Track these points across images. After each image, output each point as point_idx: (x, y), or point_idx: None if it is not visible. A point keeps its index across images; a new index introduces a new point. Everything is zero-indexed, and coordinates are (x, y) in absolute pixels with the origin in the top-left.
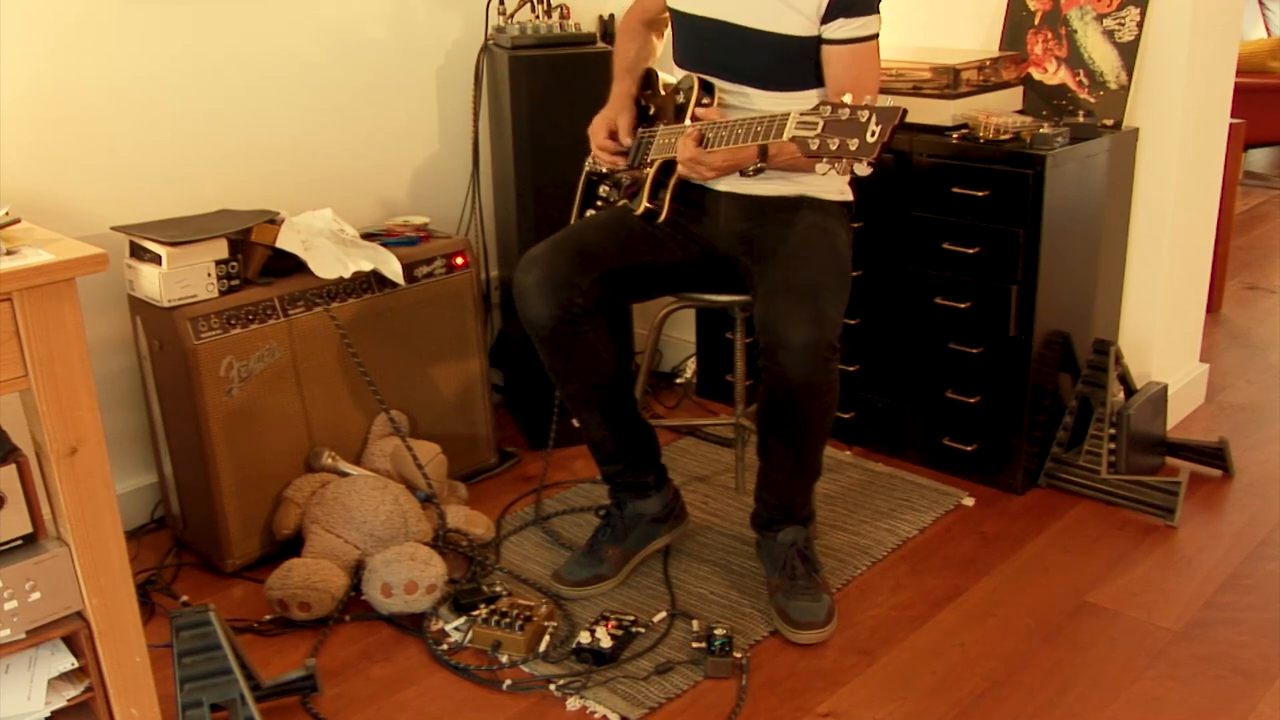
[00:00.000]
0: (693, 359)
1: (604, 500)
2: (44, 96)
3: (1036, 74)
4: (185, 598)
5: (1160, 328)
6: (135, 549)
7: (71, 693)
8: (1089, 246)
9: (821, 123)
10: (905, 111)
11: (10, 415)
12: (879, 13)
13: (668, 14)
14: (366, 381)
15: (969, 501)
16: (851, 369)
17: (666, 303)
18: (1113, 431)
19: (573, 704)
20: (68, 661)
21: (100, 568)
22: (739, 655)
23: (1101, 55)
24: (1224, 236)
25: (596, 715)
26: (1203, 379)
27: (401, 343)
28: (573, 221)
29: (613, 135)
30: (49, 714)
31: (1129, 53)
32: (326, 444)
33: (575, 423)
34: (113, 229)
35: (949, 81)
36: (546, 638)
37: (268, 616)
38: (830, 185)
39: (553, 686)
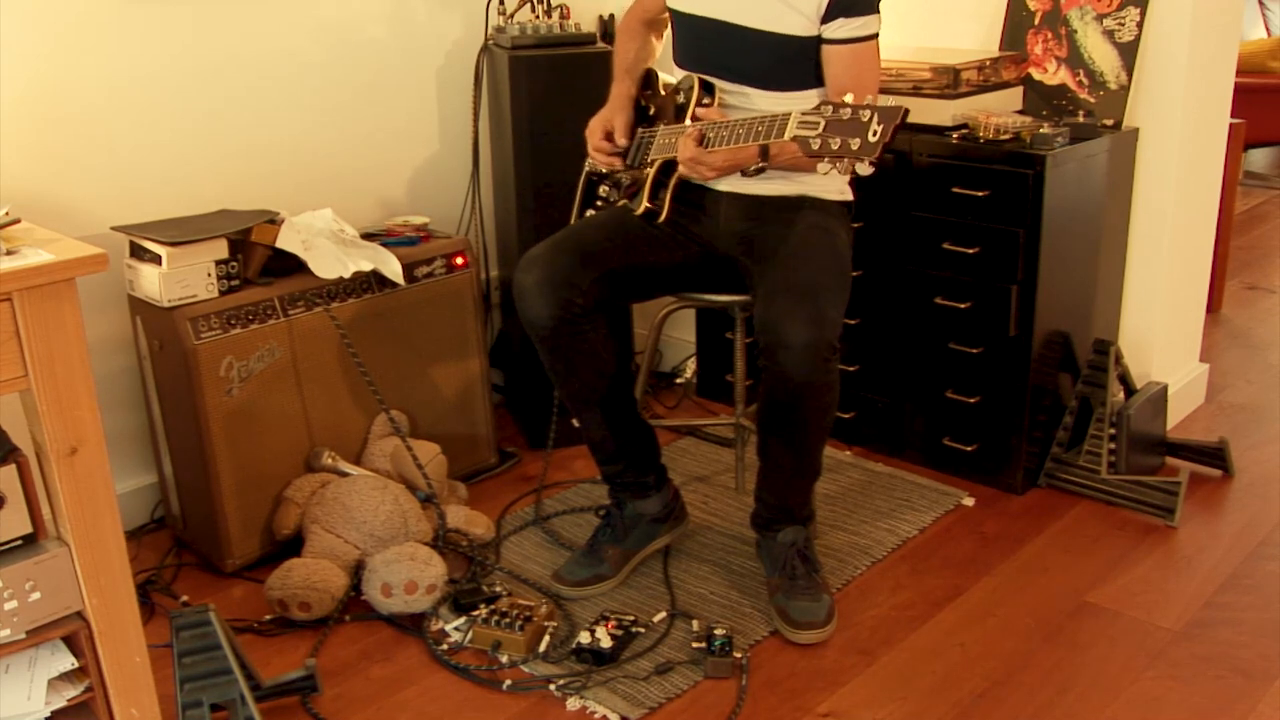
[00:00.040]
0: (693, 359)
1: (604, 500)
2: (44, 96)
3: (1036, 74)
4: (185, 598)
5: (1160, 328)
6: (135, 549)
7: (71, 693)
8: (1089, 246)
9: (823, 122)
10: (907, 111)
11: (10, 415)
12: (879, 12)
13: (667, 14)
14: (366, 381)
15: (969, 501)
16: (851, 369)
17: (666, 303)
18: (1113, 431)
19: (573, 704)
20: (68, 661)
21: (100, 568)
22: (739, 655)
23: (1101, 55)
24: (1224, 236)
25: (596, 715)
26: (1203, 379)
27: (401, 343)
28: (572, 222)
29: (609, 136)
30: (49, 714)
31: (1129, 53)
32: (326, 444)
33: (575, 423)
34: (113, 229)
35: (949, 81)
36: (546, 638)
37: (268, 616)
38: (830, 185)
39: (553, 686)
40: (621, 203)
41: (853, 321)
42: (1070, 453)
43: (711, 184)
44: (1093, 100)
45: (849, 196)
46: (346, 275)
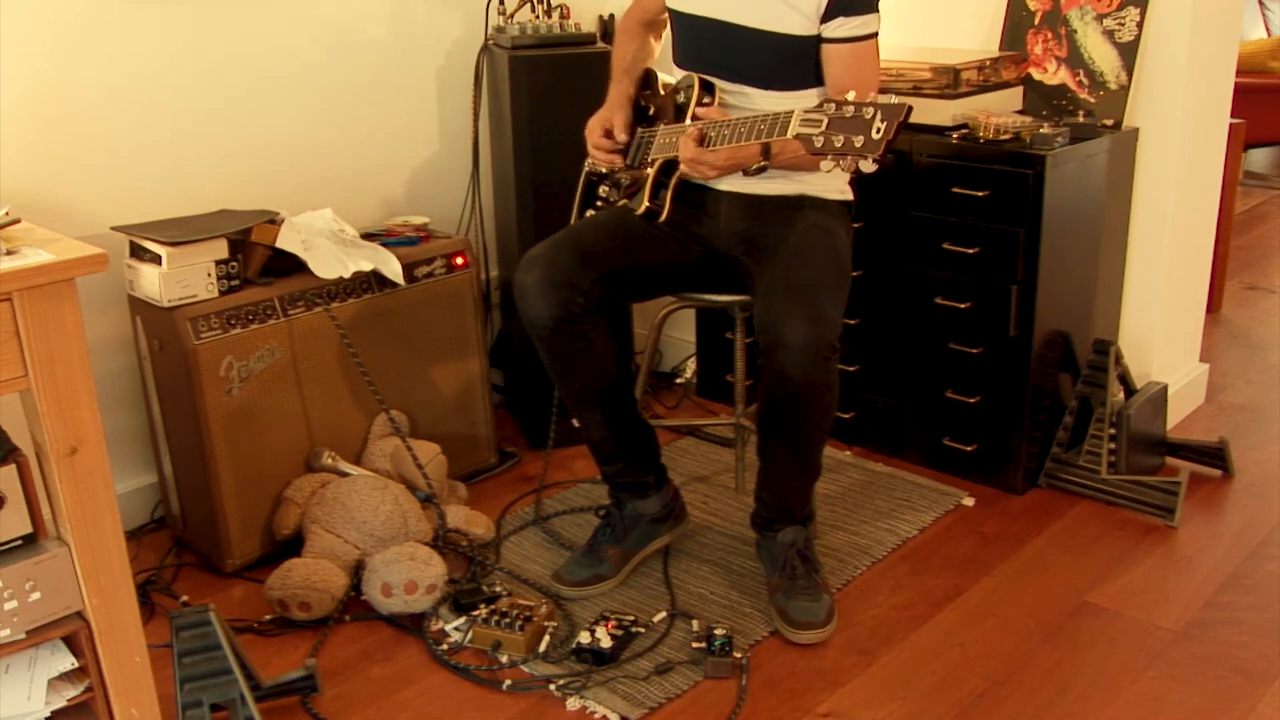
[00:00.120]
0: (693, 359)
1: (604, 500)
2: (44, 96)
3: (1036, 74)
4: (185, 598)
5: (1160, 328)
6: (135, 549)
7: (71, 693)
8: (1089, 246)
9: (826, 120)
10: (910, 108)
11: (10, 415)
12: (878, 11)
13: (666, 15)
14: (366, 381)
15: (969, 501)
16: (851, 369)
17: (666, 303)
18: (1113, 431)
19: (573, 704)
20: (68, 661)
21: (100, 568)
22: (739, 655)
23: (1101, 55)
24: (1224, 236)
25: (596, 715)
26: (1203, 379)
27: (401, 343)
28: (572, 222)
29: (608, 133)
30: (49, 714)
31: (1129, 53)
32: (326, 444)
33: (575, 423)
34: (113, 229)
35: (949, 81)
36: (546, 638)
37: (268, 616)
38: (831, 185)
39: (553, 686)
40: (622, 202)
41: (853, 321)
42: (1070, 453)
43: (712, 183)
44: (1093, 100)
45: (849, 196)
46: (346, 275)
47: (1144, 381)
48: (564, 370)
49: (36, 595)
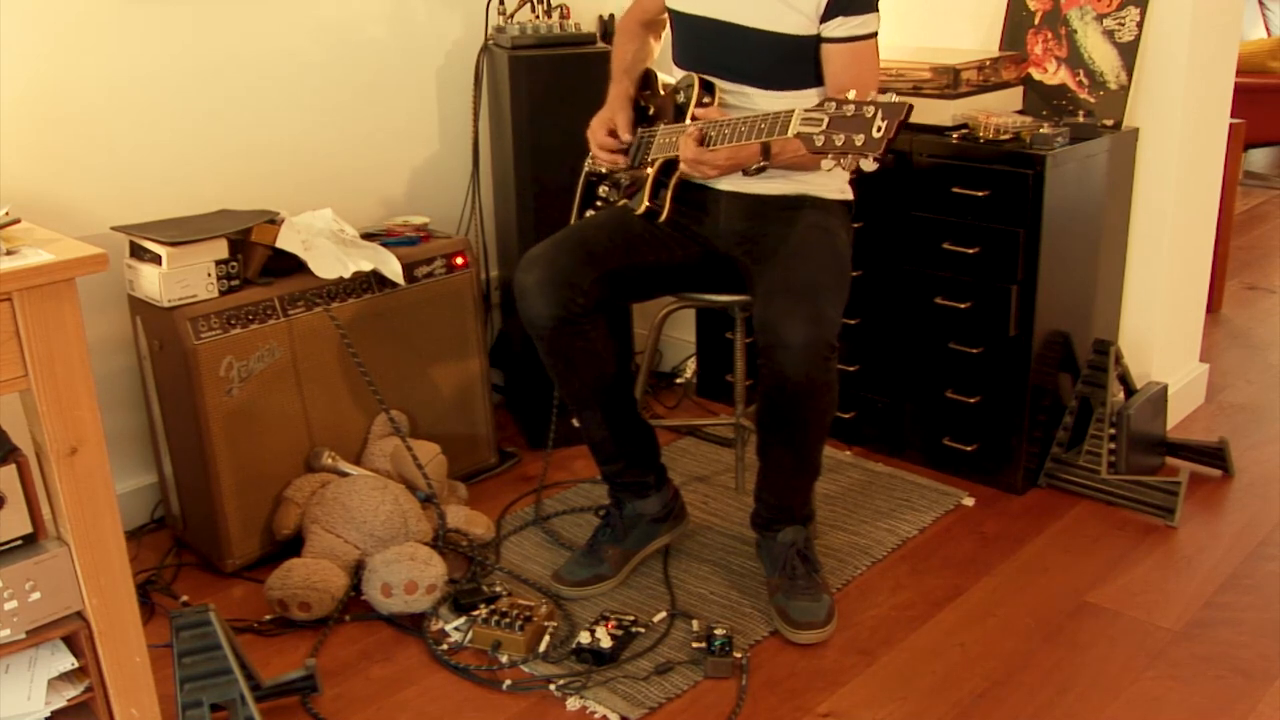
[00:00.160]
0: (693, 359)
1: (604, 500)
2: (44, 96)
3: (1036, 74)
4: (185, 598)
5: (1160, 328)
6: (135, 549)
7: (71, 693)
8: (1089, 246)
9: (827, 119)
10: (911, 107)
11: (10, 415)
12: (878, 11)
13: (665, 15)
14: (366, 381)
15: (969, 501)
16: (851, 369)
17: (666, 303)
18: (1113, 431)
19: (573, 704)
20: (68, 661)
21: (100, 568)
22: (739, 655)
23: (1101, 55)
24: (1224, 236)
25: (596, 715)
26: (1203, 379)
27: (401, 343)
28: (572, 222)
29: (612, 133)
30: (49, 714)
31: (1129, 53)
32: (326, 444)
33: (575, 423)
34: (113, 229)
35: (949, 81)
36: (546, 638)
37: (268, 616)
38: (831, 184)
39: (553, 686)
40: (622, 202)
41: (853, 321)
42: (1070, 453)
43: (712, 183)
44: (1093, 100)
45: (849, 196)
46: (346, 275)
47: (1144, 381)
48: (564, 370)
49: (36, 595)
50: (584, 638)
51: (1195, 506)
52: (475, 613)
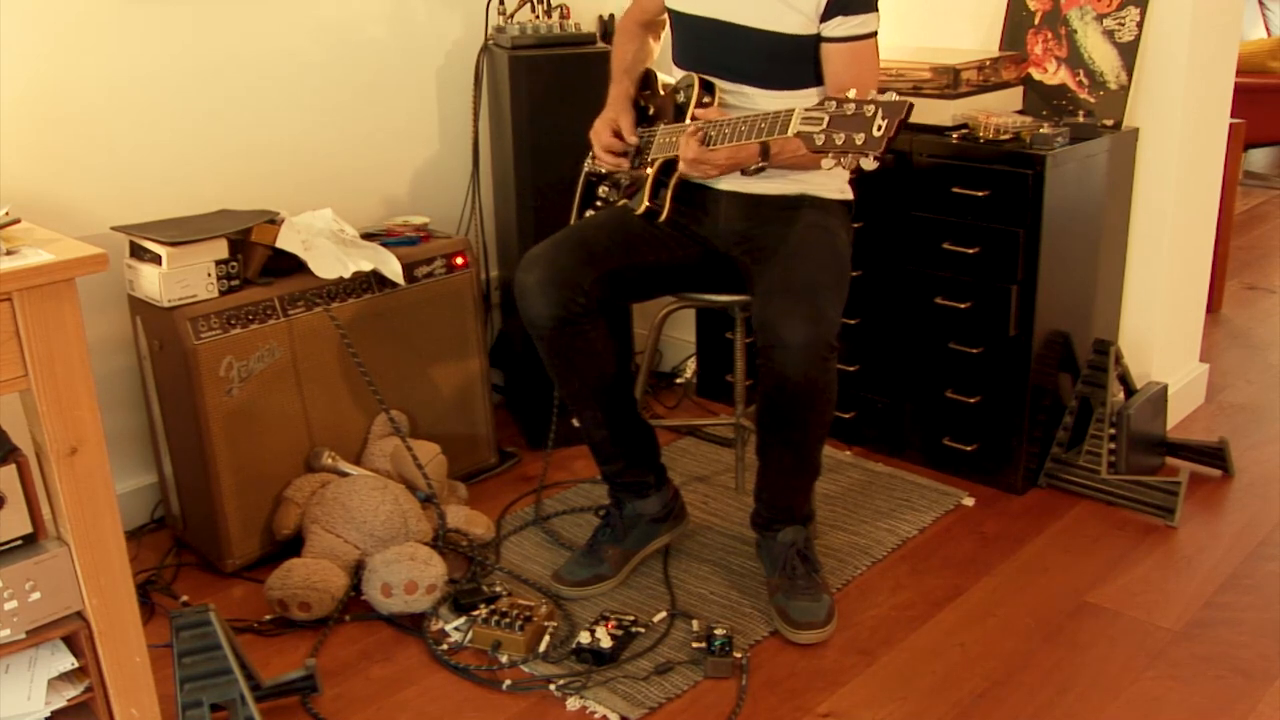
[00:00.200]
0: (693, 359)
1: (604, 500)
2: (44, 96)
3: (1036, 74)
4: (185, 598)
5: (1160, 328)
6: (135, 549)
7: (71, 693)
8: (1089, 246)
9: (827, 118)
10: (911, 105)
11: (10, 415)
12: (877, 10)
13: (664, 16)
14: (366, 381)
15: (969, 501)
16: (851, 369)
17: (666, 303)
18: (1113, 431)
19: (573, 704)
20: (68, 661)
21: (100, 568)
22: (739, 655)
23: (1101, 55)
24: (1224, 236)
25: (596, 715)
26: (1203, 379)
27: (401, 343)
28: (572, 222)
29: (617, 135)
30: (49, 714)
31: (1129, 53)
32: (326, 444)
33: (575, 423)
34: (113, 229)
35: (949, 81)
36: (546, 638)
37: (268, 616)
38: (831, 184)
39: (553, 686)
40: (621, 202)
41: (853, 321)
42: (1070, 453)
43: (712, 183)
44: (1093, 100)
45: (849, 196)
46: (346, 275)
47: (1144, 381)
48: (564, 370)
49: (36, 595)
50: (584, 638)
51: (1195, 506)
52: (475, 613)
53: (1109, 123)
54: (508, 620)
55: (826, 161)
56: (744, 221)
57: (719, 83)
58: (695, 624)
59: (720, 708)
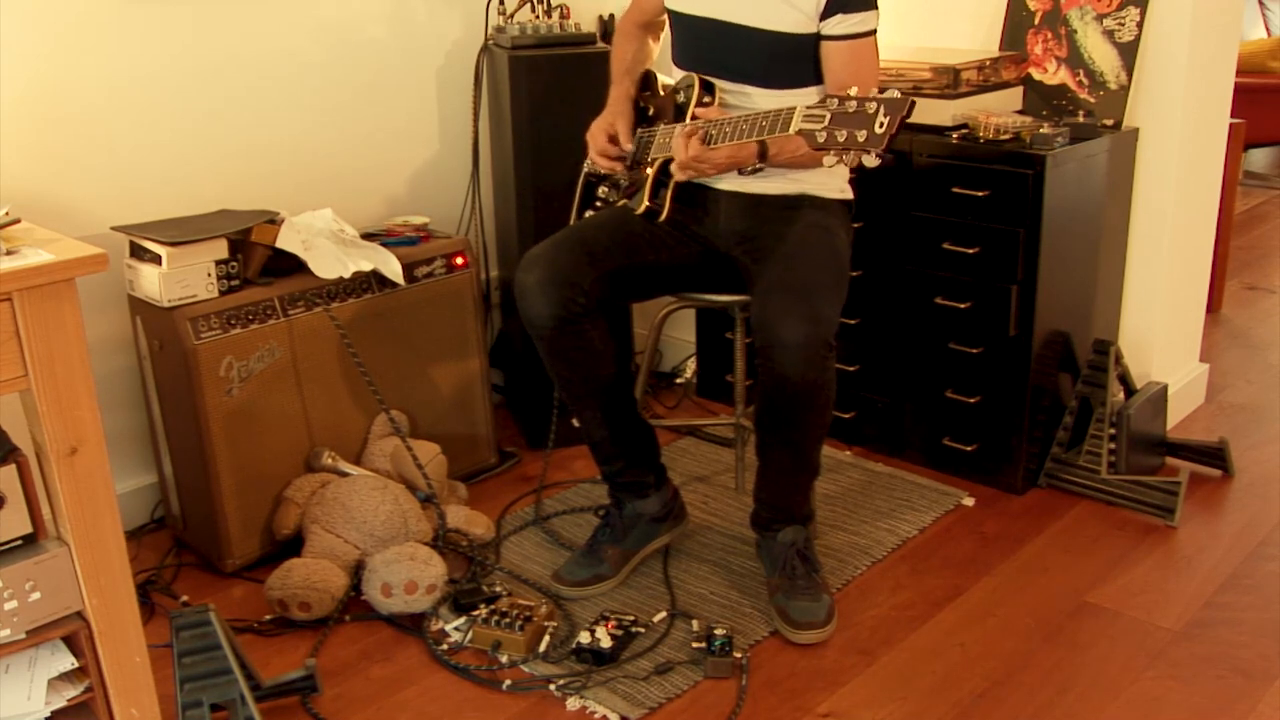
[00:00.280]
0: (693, 359)
1: (604, 500)
2: (44, 96)
3: (1036, 74)
4: (185, 598)
5: (1160, 328)
6: (135, 549)
7: (71, 693)
8: (1089, 246)
9: (829, 115)
10: (913, 103)
11: (10, 415)
12: (877, 8)
13: (664, 17)
14: (366, 381)
15: (969, 501)
16: (851, 369)
17: (666, 303)
18: (1113, 431)
19: (573, 704)
20: (68, 661)
21: (100, 568)
22: (739, 655)
23: (1101, 55)
24: (1224, 236)
25: (596, 715)
26: (1203, 379)
27: (401, 343)
28: (572, 222)
29: (612, 139)
30: (49, 714)
31: (1129, 53)
32: (326, 444)
33: (575, 423)
34: (113, 229)
35: (949, 81)
36: (546, 638)
37: (268, 616)
38: (831, 184)
39: (553, 686)
40: (621, 202)
41: (853, 321)
42: (1070, 453)
43: (711, 183)
44: (1093, 100)
45: (849, 195)
46: (346, 275)
47: (1144, 381)
48: (564, 370)
49: (36, 595)
50: (584, 638)
51: (1195, 506)
52: (475, 613)
53: (1109, 123)
54: (508, 620)
55: (829, 159)
56: (744, 221)
57: (719, 82)
58: (695, 624)
59: (720, 708)
